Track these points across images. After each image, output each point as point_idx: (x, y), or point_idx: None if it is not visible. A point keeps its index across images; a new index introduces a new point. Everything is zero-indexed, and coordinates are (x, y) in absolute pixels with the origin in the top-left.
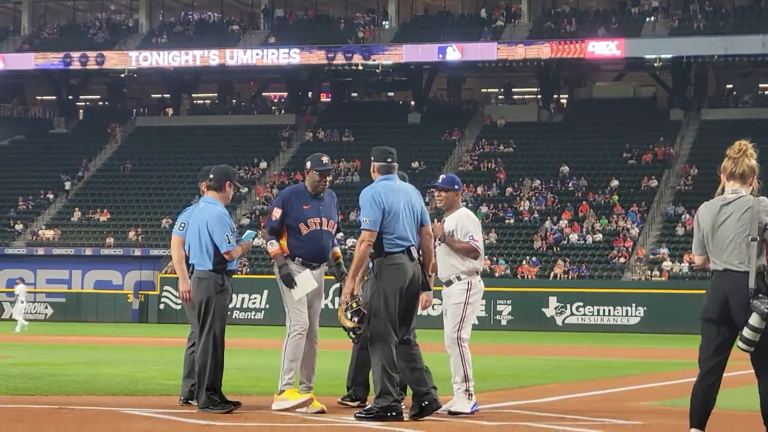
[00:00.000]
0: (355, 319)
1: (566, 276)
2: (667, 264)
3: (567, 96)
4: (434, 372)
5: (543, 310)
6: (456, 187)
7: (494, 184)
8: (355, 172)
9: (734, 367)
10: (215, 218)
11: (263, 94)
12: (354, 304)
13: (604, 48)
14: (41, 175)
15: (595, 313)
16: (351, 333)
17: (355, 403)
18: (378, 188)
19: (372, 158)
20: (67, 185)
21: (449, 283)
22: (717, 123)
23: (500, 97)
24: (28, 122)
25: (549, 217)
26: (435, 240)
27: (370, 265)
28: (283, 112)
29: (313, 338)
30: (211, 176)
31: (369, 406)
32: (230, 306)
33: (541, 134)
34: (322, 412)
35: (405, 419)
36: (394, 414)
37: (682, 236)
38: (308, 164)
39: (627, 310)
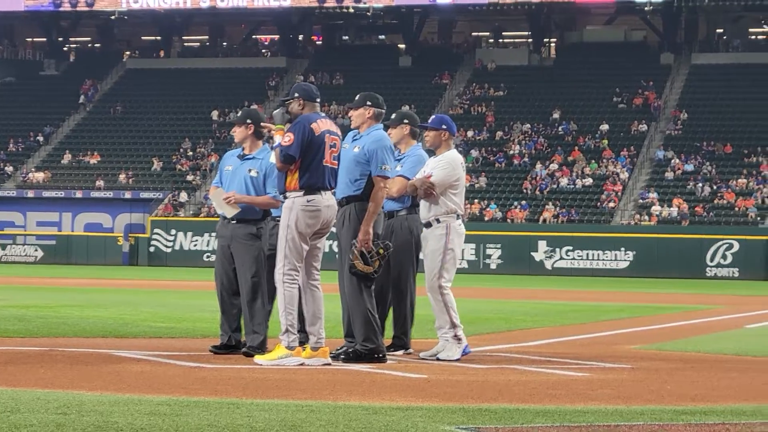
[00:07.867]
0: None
1: (556, 220)
2: (656, 208)
3: (557, 40)
4: (418, 315)
5: (532, 254)
6: (443, 126)
7: (484, 128)
8: (346, 115)
9: (709, 312)
10: None
11: (254, 36)
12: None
13: None
14: (31, 118)
15: (585, 257)
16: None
17: (400, 352)
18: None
19: (369, 103)
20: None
21: (428, 225)
22: (707, 67)
23: (491, 40)
24: (18, 64)
25: (539, 161)
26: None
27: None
28: (274, 54)
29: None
30: None
31: (354, 348)
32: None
33: (531, 78)
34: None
35: (387, 361)
36: (379, 356)
37: (671, 181)
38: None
39: (616, 255)
